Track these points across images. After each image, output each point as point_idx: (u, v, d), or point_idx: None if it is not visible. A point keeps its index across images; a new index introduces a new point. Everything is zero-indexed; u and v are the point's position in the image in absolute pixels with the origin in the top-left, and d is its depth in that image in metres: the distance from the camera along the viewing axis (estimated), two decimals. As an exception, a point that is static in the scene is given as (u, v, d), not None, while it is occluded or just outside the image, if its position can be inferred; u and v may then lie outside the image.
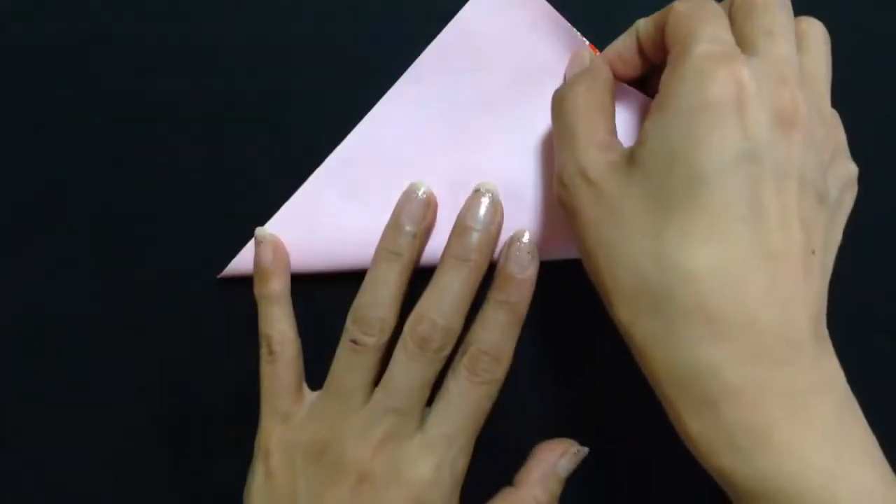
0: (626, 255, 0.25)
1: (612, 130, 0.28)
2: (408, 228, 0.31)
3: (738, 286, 0.23)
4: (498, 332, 0.31)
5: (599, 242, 0.26)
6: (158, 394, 0.35)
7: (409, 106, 0.33)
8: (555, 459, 0.32)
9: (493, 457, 0.32)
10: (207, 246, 0.34)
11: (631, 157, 0.26)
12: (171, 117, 0.34)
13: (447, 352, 0.30)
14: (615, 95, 0.29)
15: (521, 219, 0.33)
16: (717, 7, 0.27)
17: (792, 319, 0.24)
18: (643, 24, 0.29)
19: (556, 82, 0.32)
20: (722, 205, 0.24)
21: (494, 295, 0.31)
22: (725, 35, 0.26)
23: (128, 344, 0.35)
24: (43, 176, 0.35)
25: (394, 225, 0.32)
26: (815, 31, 0.28)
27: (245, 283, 0.34)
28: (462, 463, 0.31)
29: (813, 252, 0.24)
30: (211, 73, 0.34)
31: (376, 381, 0.31)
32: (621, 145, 0.28)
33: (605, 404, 0.34)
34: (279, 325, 0.32)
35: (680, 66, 0.25)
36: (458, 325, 0.31)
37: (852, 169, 0.28)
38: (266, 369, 0.32)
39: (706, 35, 0.25)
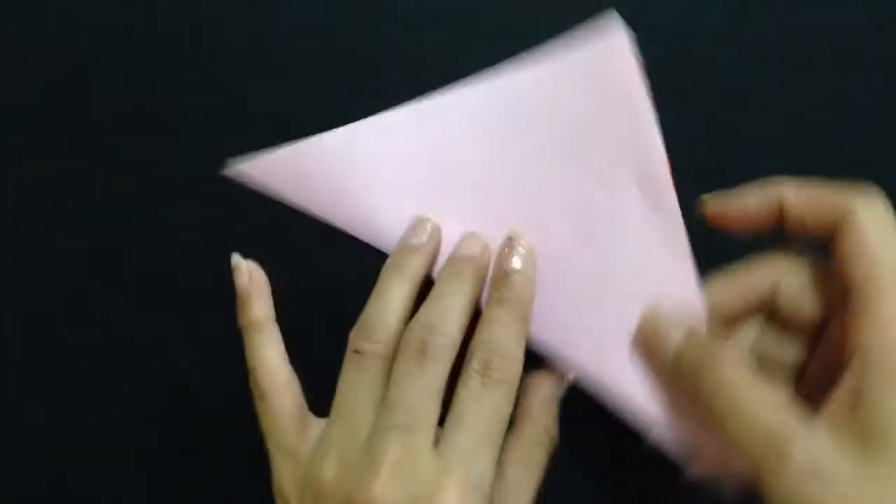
0: None
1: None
2: (414, 243, 0.31)
3: None
4: (501, 330, 0.29)
5: None
6: (158, 395, 0.35)
7: (464, 117, 0.32)
8: (549, 387, 0.31)
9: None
10: (208, 247, 0.34)
11: (862, 433, 0.23)
12: (171, 118, 0.34)
13: (448, 356, 0.28)
14: None
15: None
16: None
17: None
18: (794, 199, 0.27)
19: (610, 163, 0.31)
20: None
21: (493, 294, 0.30)
22: None
23: (127, 344, 0.35)
24: (43, 176, 0.35)
25: (401, 244, 0.31)
26: None
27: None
28: (489, 478, 0.27)
29: None
30: (211, 74, 0.34)
31: None
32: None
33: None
34: (264, 354, 0.31)
35: None
36: (455, 330, 0.29)
37: None
38: (259, 406, 0.30)
39: None
